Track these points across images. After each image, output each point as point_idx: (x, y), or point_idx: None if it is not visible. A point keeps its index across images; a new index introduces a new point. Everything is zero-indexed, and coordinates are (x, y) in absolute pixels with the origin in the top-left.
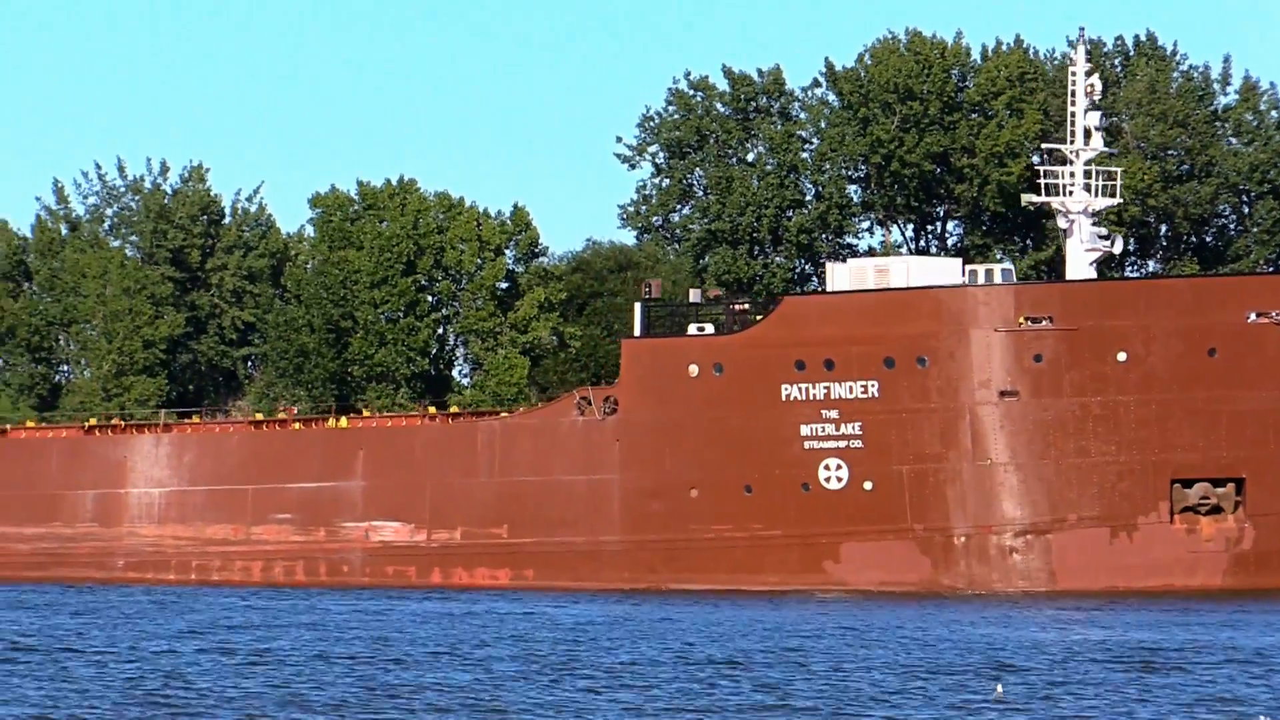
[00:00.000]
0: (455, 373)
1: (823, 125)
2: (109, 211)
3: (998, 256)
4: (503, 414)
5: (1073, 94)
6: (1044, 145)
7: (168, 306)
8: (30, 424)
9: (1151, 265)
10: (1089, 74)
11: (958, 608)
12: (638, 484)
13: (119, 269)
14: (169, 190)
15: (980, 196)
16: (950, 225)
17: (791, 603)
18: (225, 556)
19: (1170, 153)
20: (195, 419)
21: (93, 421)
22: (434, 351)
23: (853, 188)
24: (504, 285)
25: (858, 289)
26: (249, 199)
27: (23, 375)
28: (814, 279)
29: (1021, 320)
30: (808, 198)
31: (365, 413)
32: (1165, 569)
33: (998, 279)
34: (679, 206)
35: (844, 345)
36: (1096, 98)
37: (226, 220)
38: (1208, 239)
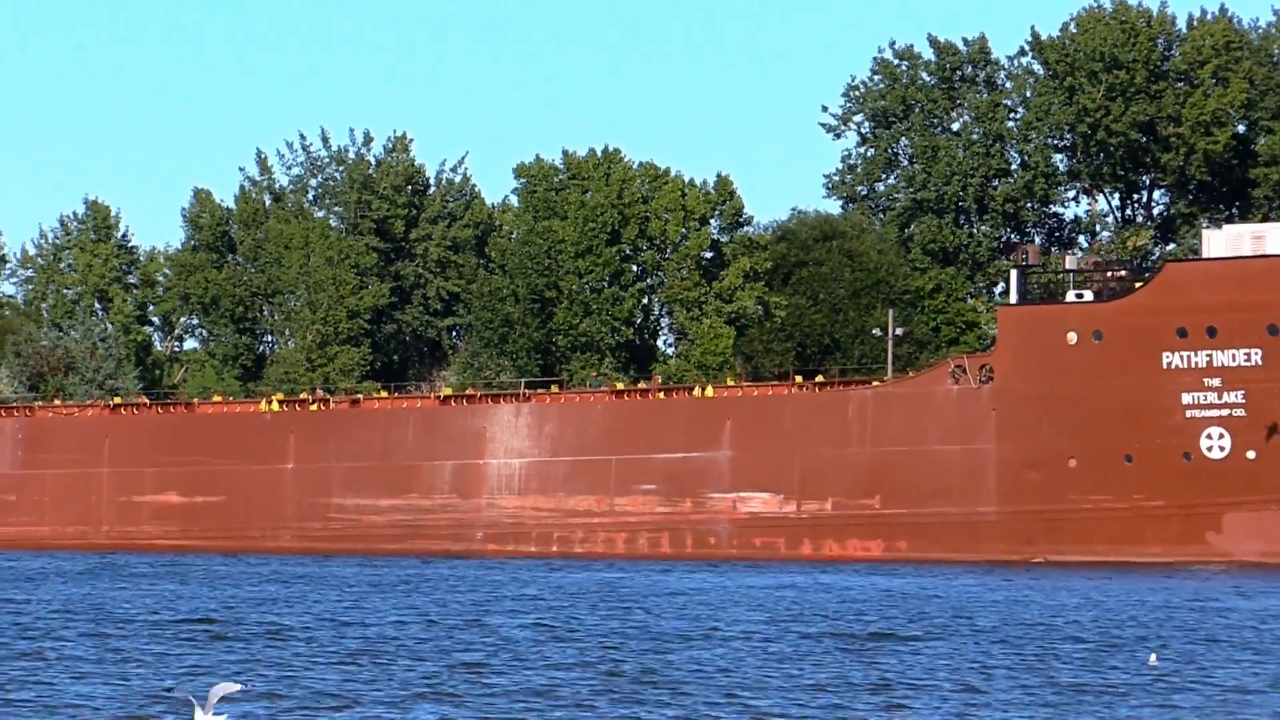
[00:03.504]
0: (660, 342)
1: (1028, 94)
2: (313, 182)
3: (1204, 225)
4: (874, 383)
5: None
6: None
7: (371, 277)
8: (383, 394)
9: None
10: None
11: None
12: (1015, 454)
13: (322, 239)
14: (373, 160)
15: (1186, 165)
16: (1156, 194)
17: None
18: (588, 528)
19: None
20: (554, 388)
21: (448, 391)
22: (638, 321)
23: (1058, 157)
24: (709, 255)
25: (1235, 255)
26: (453, 169)
27: (227, 346)
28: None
29: None
30: (1013, 167)
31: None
32: None
33: None
34: (884, 176)
35: (1227, 312)
36: None
37: (431, 190)
38: None
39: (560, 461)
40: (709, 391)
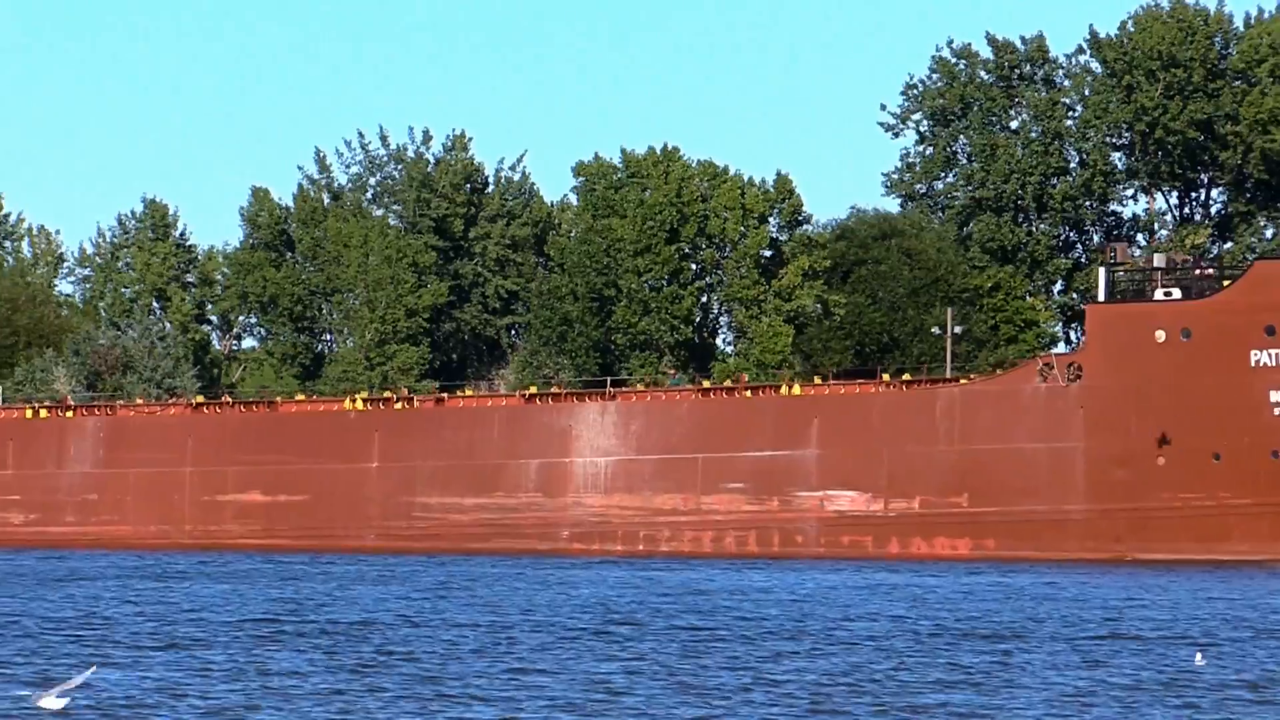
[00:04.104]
0: (719, 341)
1: (1086, 93)
2: (371, 180)
3: (1262, 224)
4: (962, 380)
5: None
6: None
7: (430, 275)
8: (468, 392)
9: None
10: None
11: None
12: (1102, 451)
13: (381, 238)
14: (431, 159)
15: (1244, 164)
16: (1214, 193)
17: None
18: (674, 527)
19: None
20: (639, 386)
21: (533, 389)
22: (697, 320)
23: (1116, 155)
24: (768, 253)
25: None
26: (512, 167)
27: (285, 345)
28: (1078, 246)
29: None
30: (1071, 165)
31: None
32: None
33: None
34: (942, 174)
35: None
36: None
37: (489, 189)
38: None
39: (646, 460)
40: (796, 389)
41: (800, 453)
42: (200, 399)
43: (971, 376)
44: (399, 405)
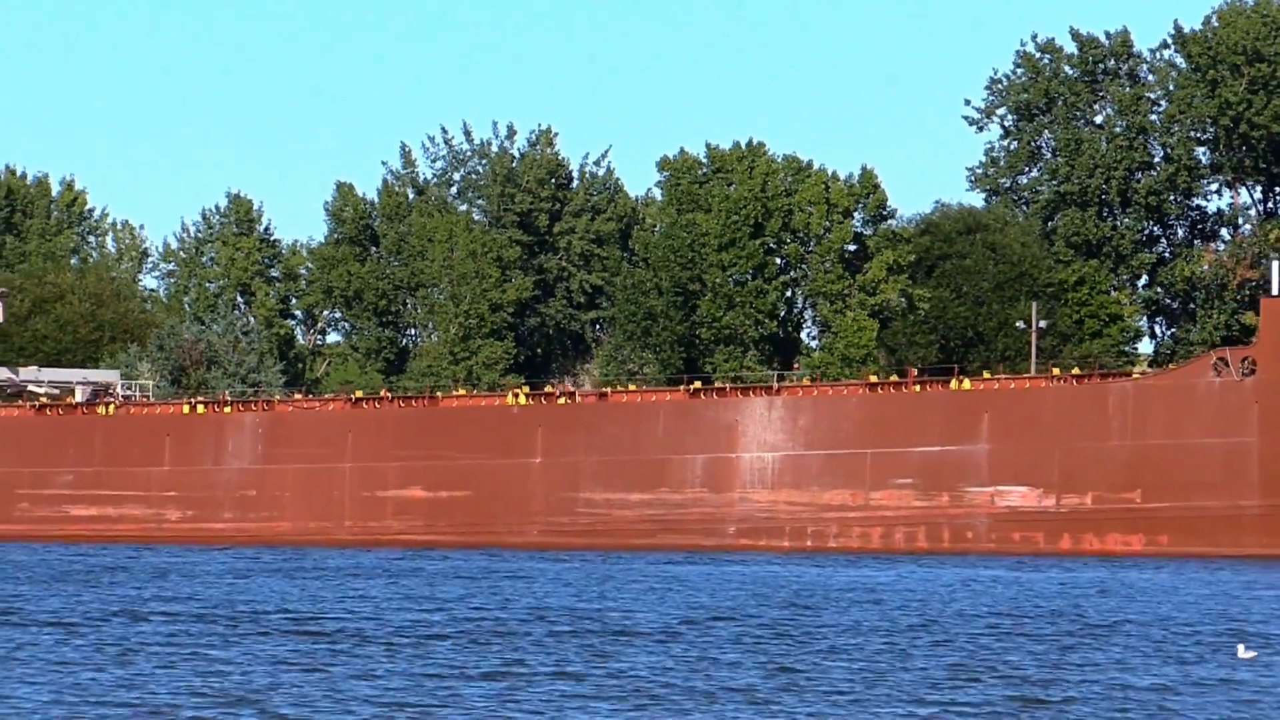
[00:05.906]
0: (803, 335)
1: (1171, 87)
2: (456, 175)
3: None
4: (1135, 375)
5: None
6: None
7: (515, 270)
8: (632, 387)
9: None
10: None
11: None
12: (1278, 447)
13: (465, 232)
14: (516, 154)
15: None
16: None
17: None
18: (843, 523)
19: None
20: (805, 381)
21: (697, 385)
22: (782, 314)
23: (1201, 150)
24: (852, 247)
25: None
26: (596, 162)
27: (369, 339)
28: (1162, 240)
29: None
30: (1156, 159)
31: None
32: None
33: None
34: (1027, 169)
35: None
36: None
37: (574, 184)
38: None
39: (814, 455)
40: (965, 384)
41: (971, 448)
42: (359, 394)
43: (1144, 370)
44: (561, 400)
